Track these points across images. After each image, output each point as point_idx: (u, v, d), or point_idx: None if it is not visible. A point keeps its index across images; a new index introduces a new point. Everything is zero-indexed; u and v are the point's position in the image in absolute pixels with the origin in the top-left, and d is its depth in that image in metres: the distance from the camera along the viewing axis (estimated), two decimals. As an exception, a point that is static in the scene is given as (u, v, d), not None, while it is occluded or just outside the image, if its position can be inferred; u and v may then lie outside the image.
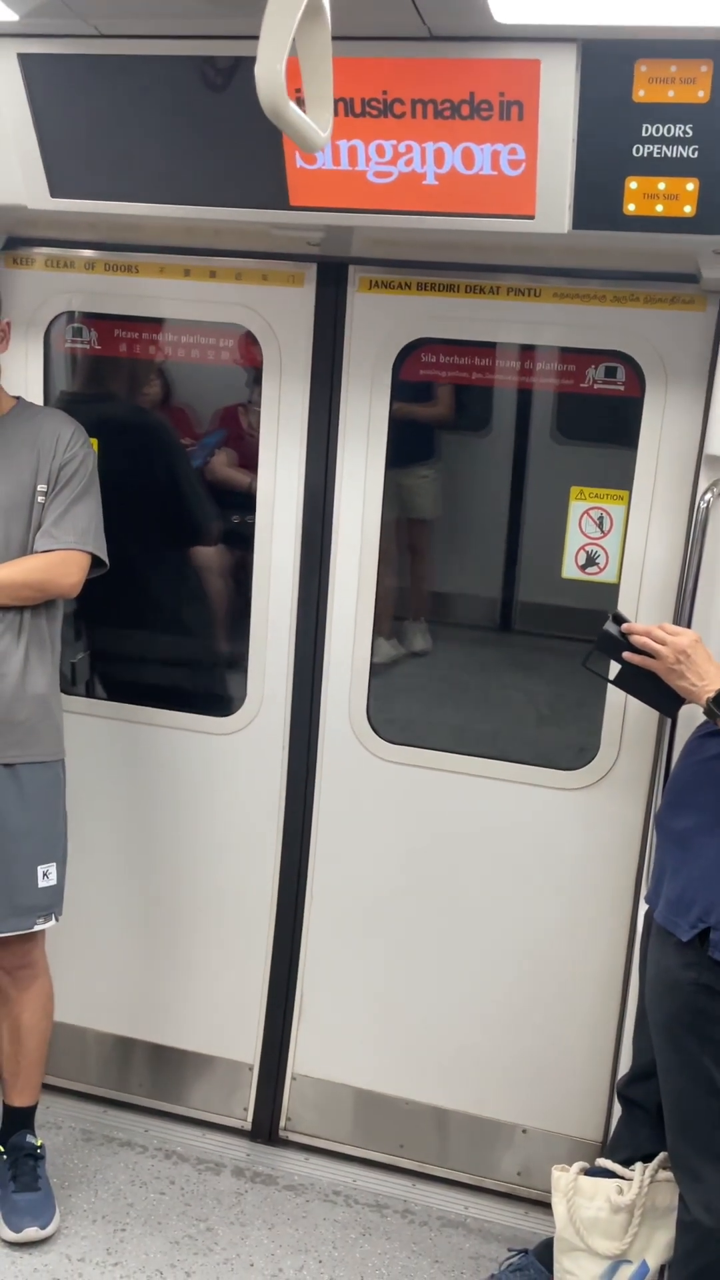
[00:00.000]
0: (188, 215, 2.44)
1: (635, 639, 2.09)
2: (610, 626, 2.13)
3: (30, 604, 2.51)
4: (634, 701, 2.38)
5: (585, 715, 2.74)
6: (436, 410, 2.87)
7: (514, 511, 2.93)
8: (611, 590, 2.65)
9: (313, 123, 1.37)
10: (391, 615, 2.97)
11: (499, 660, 3.04)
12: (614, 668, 2.21)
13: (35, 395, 2.89)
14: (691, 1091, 2.09)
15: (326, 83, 1.40)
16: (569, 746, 2.80)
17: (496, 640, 3.03)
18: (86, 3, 2.12)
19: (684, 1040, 2.08)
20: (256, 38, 1.30)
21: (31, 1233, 2.62)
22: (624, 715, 2.67)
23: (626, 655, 2.10)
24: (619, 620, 2.15)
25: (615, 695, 2.64)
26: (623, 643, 2.11)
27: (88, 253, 2.86)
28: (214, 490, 3.03)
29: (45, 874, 2.58)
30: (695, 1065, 2.06)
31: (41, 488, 2.52)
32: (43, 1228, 2.63)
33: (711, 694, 2.01)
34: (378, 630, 2.86)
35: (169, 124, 2.32)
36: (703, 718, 2.13)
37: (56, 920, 2.64)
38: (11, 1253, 2.61)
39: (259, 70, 1.24)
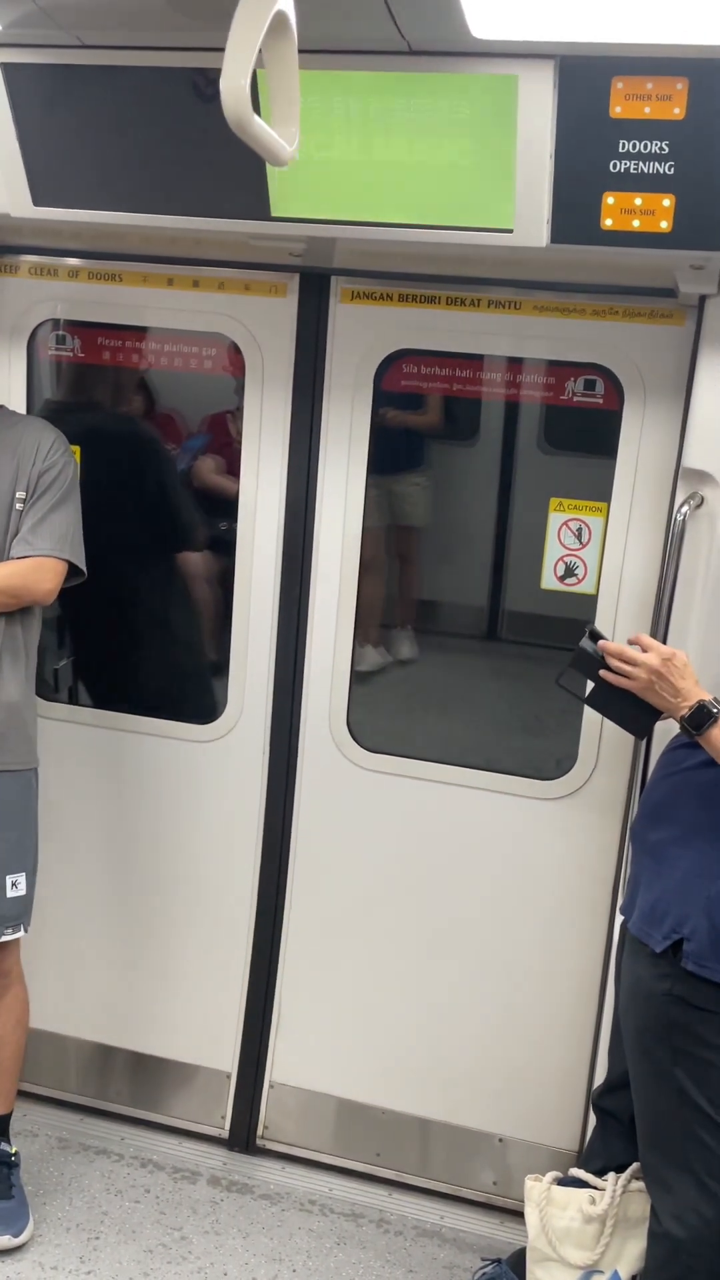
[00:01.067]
0: (170, 225, 2.45)
1: (610, 660, 2.08)
2: (586, 644, 2.13)
3: (5, 610, 2.51)
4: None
5: (565, 725, 2.75)
6: (426, 418, 2.88)
7: (499, 521, 2.94)
8: (589, 601, 2.66)
9: (279, 137, 1.38)
10: (378, 623, 2.98)
11: (483, 669, 3.04)
12: (588, 685, 2.20)
13: (18, 403, 2.90)
14: (663, 1103, 2.09)
15: (293, 98, 1.41)
16: (548, 756, 2.81)
17: (481, 649, 3.03)
18: (68, 14, 2.13)
19: (656, 1051, 2.08)
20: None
21: (4, 1241, 2.62)
22: (602, 726, 2.67)
23: (603, 674, 2.09)
24: (595, 637, 2.14)
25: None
26: (598, 660, 2.10)
27: (72, 261, 2.87)
28: (198, 496, 3.04)
29: (14, 884, 2.57)
30: (666, 1076, 2.07)
31: (20, 495, 2.53)
32: (15, 1236, 2.63)
33: (686, 711, 2.01)
34: (364, 638, 2.87)
35: (151, 134, 2.33)
36: (677, 729, 2.14)
37: (25, 931, 2.63)
38: (-15, 1261, 2.61)
39: (224, 84, 1.26)
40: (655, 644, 2.07)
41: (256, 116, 1.30)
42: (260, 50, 1.28)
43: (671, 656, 2.04)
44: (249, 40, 1.23)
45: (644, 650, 2.05)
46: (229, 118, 1.27)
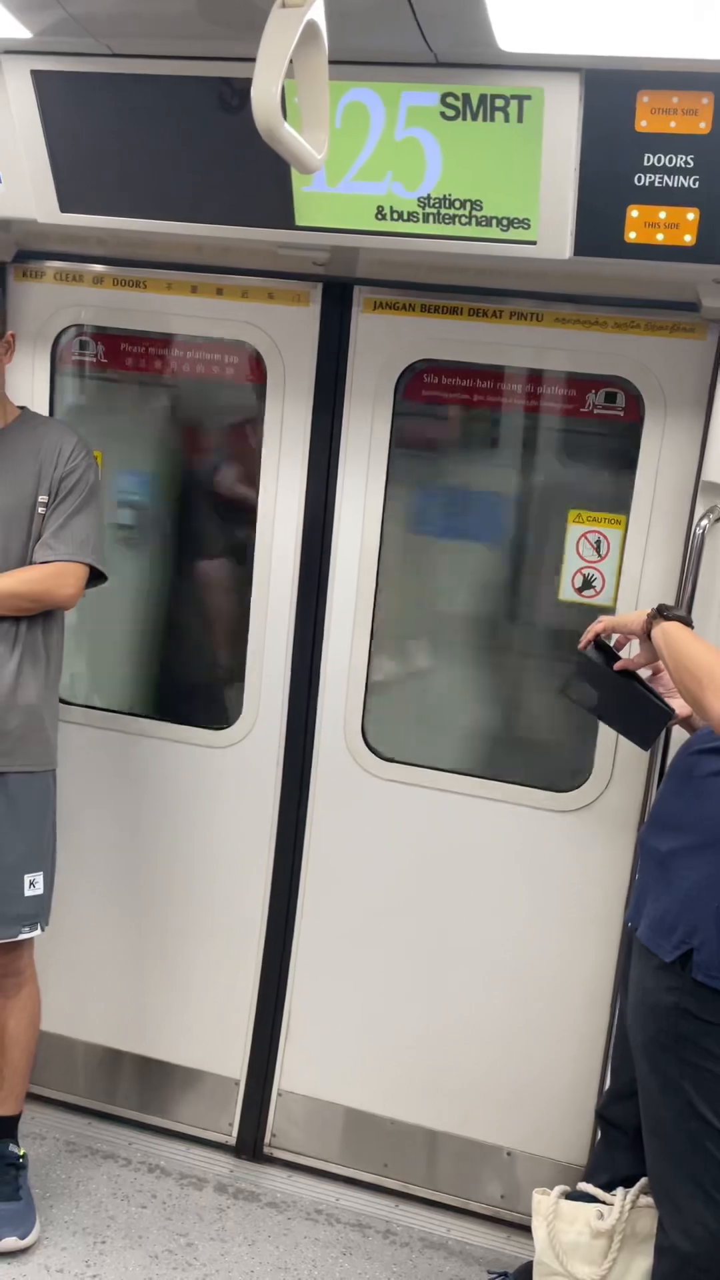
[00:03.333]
0: (195, 233, 2.47)
1: (593, 634, 2.15)
2: (591, 653, 2.13)
3: (27, 615, 2.53)
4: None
5: (580, 738, 2.74)
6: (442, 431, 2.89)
7: (518, 533, 2.94)
8: (607, 614, 2.66)
9: (308, 144, 1.40)
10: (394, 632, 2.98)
11: (498, 680, 3.04)
12: (594, 696, 2.20)
13: (41, 407, 2.92)
14: (671, 1115, 2.08)
15: (322, 106, 1.42)
16: (563, 769, 2.80)
17: (497, 660, 3.03)
18: (99, 22, 2.16)
19: (663, 1063, 2.07)
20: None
21: (10, 1243, 2.61)
22: (617, 738, 2.67)
23: (619, 665, 2.11)
24: (600, 646, 2.15)
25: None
26: (604, 668, 2.11)
27: (96, 267, 2.90)
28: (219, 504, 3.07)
29: (32, 883, 2.59)
30: (675, 1088, 2.05)
31: (42, 499, 2.54)
32: (22, 1238, 2.63)
33: (649, 611, 2.09)
34: (380, 648, 2.88)
35: (178, 142, 2.35)
36: (687, 738, 2.14)
37: (43, 929, 2.64)
38: (-9, 1262, 2.61)
39: (255, 92, 1.27)
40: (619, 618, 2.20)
41: (286, 124, 1.31)
42: (290, 59, 1.29)
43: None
44: (281, 49, 1.25)
45: (618, 627, 2.16)
46: (260, 125, 1.28)
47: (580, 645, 2.21)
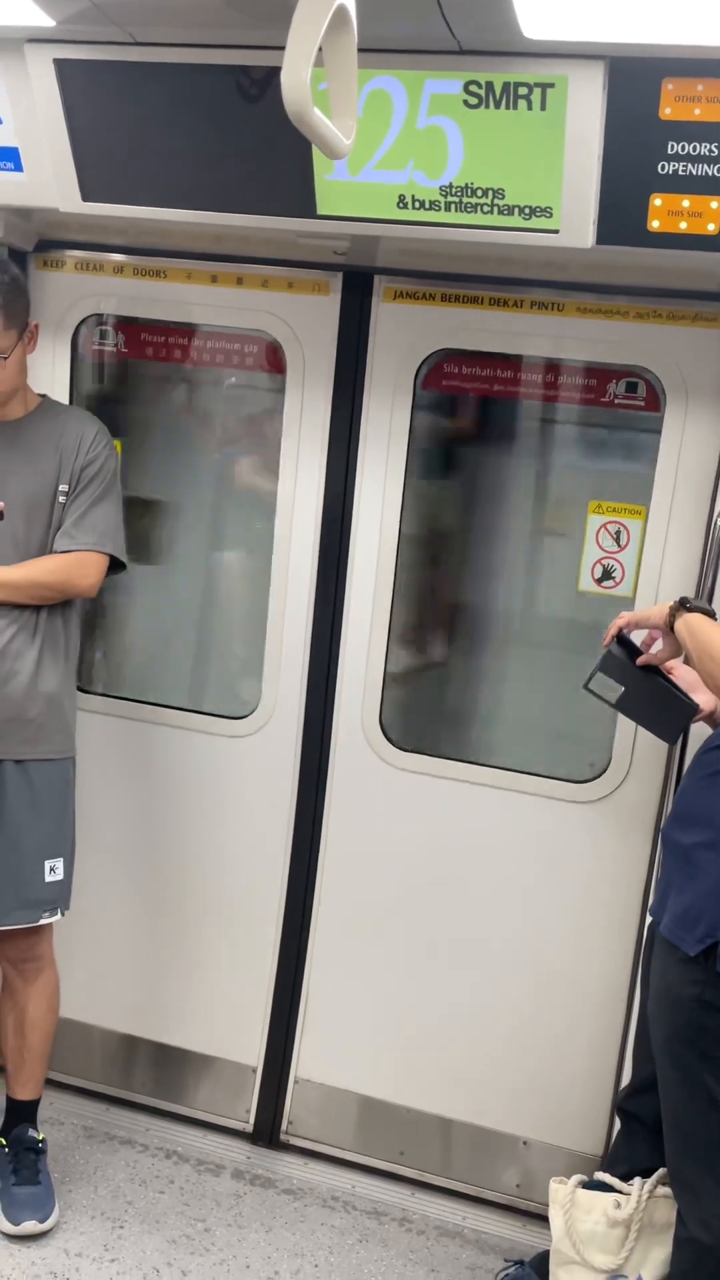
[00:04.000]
0: (216, 221, 2.47)
1: (617, 629, 2.14)
2: (614, 648, 2.13)
3: (47, 603, 2.54)
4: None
5: (599, 729, 2.74)
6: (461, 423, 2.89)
7: (537, 523, 2.94)
8: (627, 605, 2.66)
9: (337, 130, 1.40)
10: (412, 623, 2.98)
11: (515, 671, 3.04)
12: (618, 690, 2.20)
13: (61, 396, 2.92)
14: (691, 1108, 2.08)
15: (351, 91, 1.42)
16: (582, 760, 2.80)
17: (514, 651, 3.03)
18: (122, 10, 2.16)
19: (685, 1056, 2.07)
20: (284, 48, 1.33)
21: (30, 1226, 2.64)
22: (636, 729, 2.67)
23: (642, 660, 2.11)
24: (622, 642, 2.15)
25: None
26: (627, 663, 2.11)
27: (117, 257, 2.90)
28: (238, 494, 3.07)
29: (52, 869, 2.60)
30: (695, 1081, 2.05)
31: (63, 488, 2.55)
32: (41, 1221, 2.65)
33: (671, 604, 2.09)
34: (396, 638, 2.88)
35: (200, 131, 2.35)
36: (709, 731, 2.14)
37: (63, 914, 2.66)
38: (10, 1245, 2.63)
39: (285, 78, 1.27)
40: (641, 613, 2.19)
41: (316, 110, 1.31)
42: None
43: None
44: (310, 34, 1.25)
45: (641, 622, 2.15)
46: (289, 110, 1.28)
47: (604, 641, 2.21)
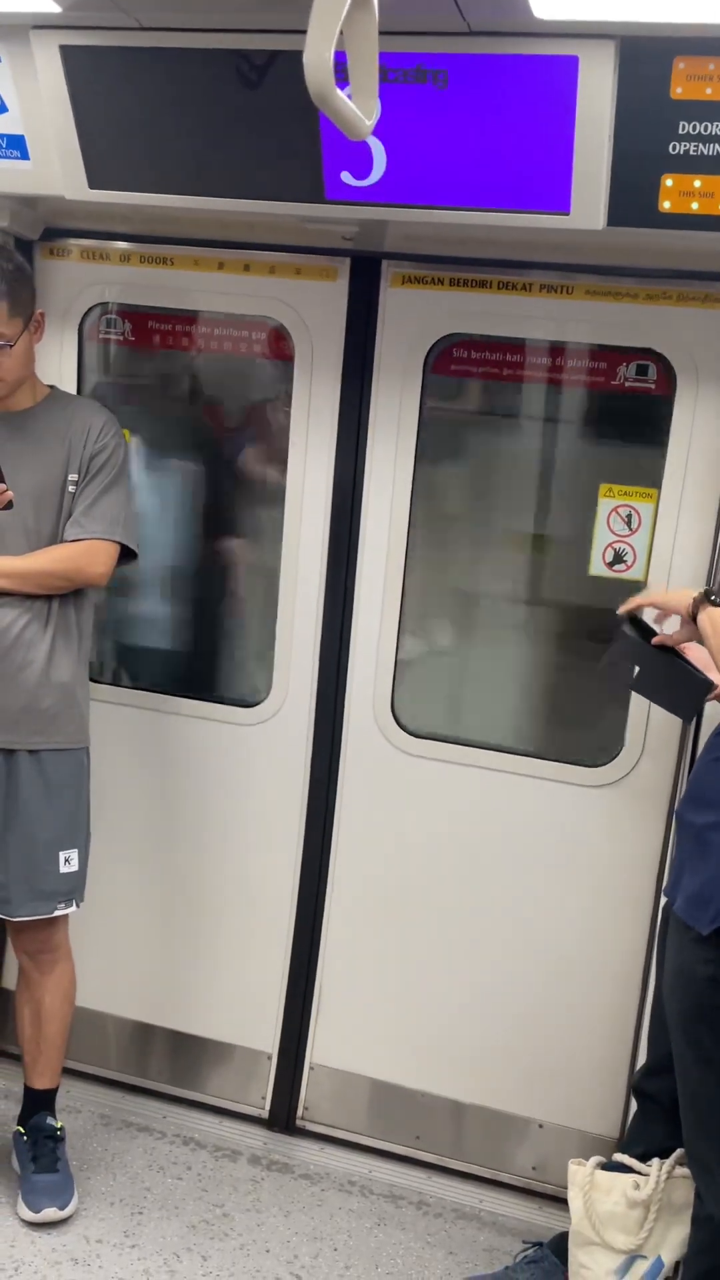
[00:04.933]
0: (223, 208, 2.46)
1: (638, 606, 2.11)
2: (628, 629, 2.13)
3: (59, 593, 2.54)
4: (658, 700, 2.37)
5: (611, 712, 2.74)
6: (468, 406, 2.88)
7: (547, 507, 2.93)
8: (638, 588, 2.65)
9: (358, 110, 1.39)
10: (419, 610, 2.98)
11: (528, 655, 3.04)
12: (633, 671, 2.19)
13: (69, 386, 2.92)
14: (707, 1087, 2.08)
15: (372, 72, 1.42)
16: (594, 743, 2.80)
17: (527, 635, 3.03)
18: (129, -5, 2.15)
19: (700, 1035, 2.08)
20: (294, 31, 1.32)
21: (50, 1213, 2.65)
22: (649, 713, 2.67)
23: (656, 640, 2.10)
24: (636, 622, 2.14)
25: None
26: (641, 643, 2.10)
27: (123, 245, 2.89)
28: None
29: (67, 860, 2.61)
30: (711, 1061, 2.06)
31: (73, 477, 2.55)
32: (61, 1209, 2.66)
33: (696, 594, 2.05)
34: (404, 625, 2.88)
35: (207, 117, 2.34)
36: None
37: (78, 905, 2.66)
38: (31, 1232, 2.64)
39: (308, 57, 1.26)
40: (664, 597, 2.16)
41: (338, 90, 1.30)
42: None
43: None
44: (333, 12, 1.24)
45: (662, 606, 2.11)
46: (311, 89, 1.28)
47: (620, 611, 2.19)
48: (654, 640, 2.13)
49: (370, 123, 1.43)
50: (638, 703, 2.69)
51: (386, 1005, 3.00)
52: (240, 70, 2.26)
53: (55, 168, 2.49)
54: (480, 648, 3.03)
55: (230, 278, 2.83)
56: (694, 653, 2.26)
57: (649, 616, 2.25)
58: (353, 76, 1.45)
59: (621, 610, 2.19)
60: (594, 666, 2.22)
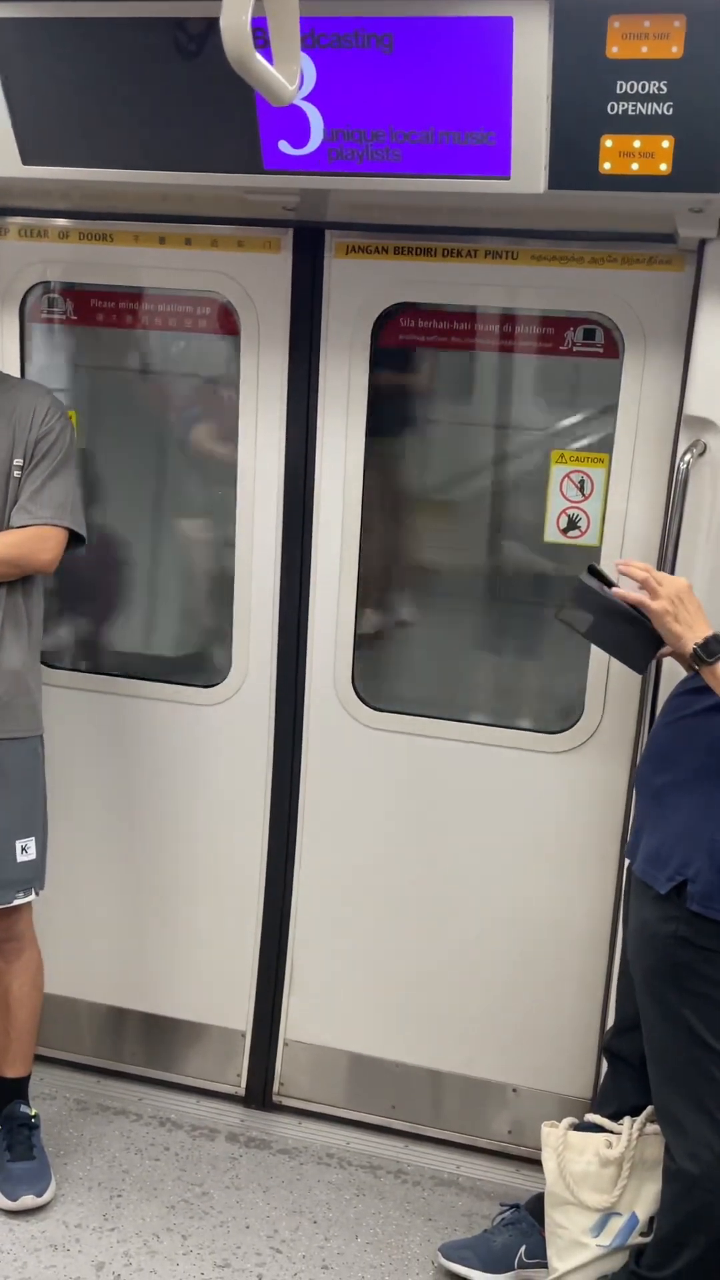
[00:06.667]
0: (161, 181, 2.41)
1: (636, 575, 2.07)
2: (587, 578, 2.12)
3: (7, 580, 2.50)
4: (618, 664, 2.37)
5: (571, 678, 2.75)
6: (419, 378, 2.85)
7: (500, 475, 2.92)
8: (594, 554, 2.66)
9: (280, 76, 1.36)
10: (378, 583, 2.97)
11: (484, 626, 3.04)
12: (588, 620, 2.18)
13: (11, 368, 2.87)
14: (673, 1042, 2.11)
15: (294, 37, 1.39)
16: (555, 710, 2.81)
17: (482, 607, 3.03)
18: (53, -36, 2.09)
19: (664, 992, 2.11)
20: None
21: (28, 1200, 2.64)
22: (607, 678, 2.68)
23: (617, 592, 2.09)
24: (595, 573, 2.14)
25: (599, 659, 2.65)
26: (599, 594, 2.09)
27: (61, 222, 2.84)
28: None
29: (24, 848, 2.59)
30: (676, 1016, 2.09)
31: (18, 462, 2.51)
32: (39, 1195, 2.66)
33: (699, 640, 2.00)
34: (364, 599, 2.86)
35: (142, 88, 2.29)
36: (683, 674, 2.15)
37: (38, 894, 2.65)
38: (9, 1220, 2.64)
39: (224, 22, 1.24)
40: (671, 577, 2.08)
41: (258, 55, 1.28)
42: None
43: (689, 586, 2.06)
44: (248, -24, 1.21)
45: (650, 588, 2.06)
46: (230, 55, 1.25)
47: (618, 567, 2.15)
48: (613, 593, 2.12)
49: (293, 89, 1.40)
50: (596, 669, 2.70)
51: (358, 978, 3.01)
52: (178, 40, 2.21)
53: (-13, 144, 2.43)
54: (437, 617, 3.02)
55: (172, 252, 2.78)
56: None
57: (610, 570, 2.23)
58: (274, 42, 1.42)
59: (620, 566, 2.15)
60: (559, 614, 2.18)
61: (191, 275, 2.80)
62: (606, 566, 2.55)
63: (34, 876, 2.63)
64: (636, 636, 2.08)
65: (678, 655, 2.07)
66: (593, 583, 2.11)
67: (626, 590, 2.09)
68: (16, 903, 2.60)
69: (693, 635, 2.01)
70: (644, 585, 2.04)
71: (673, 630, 2.01)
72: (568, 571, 2.68)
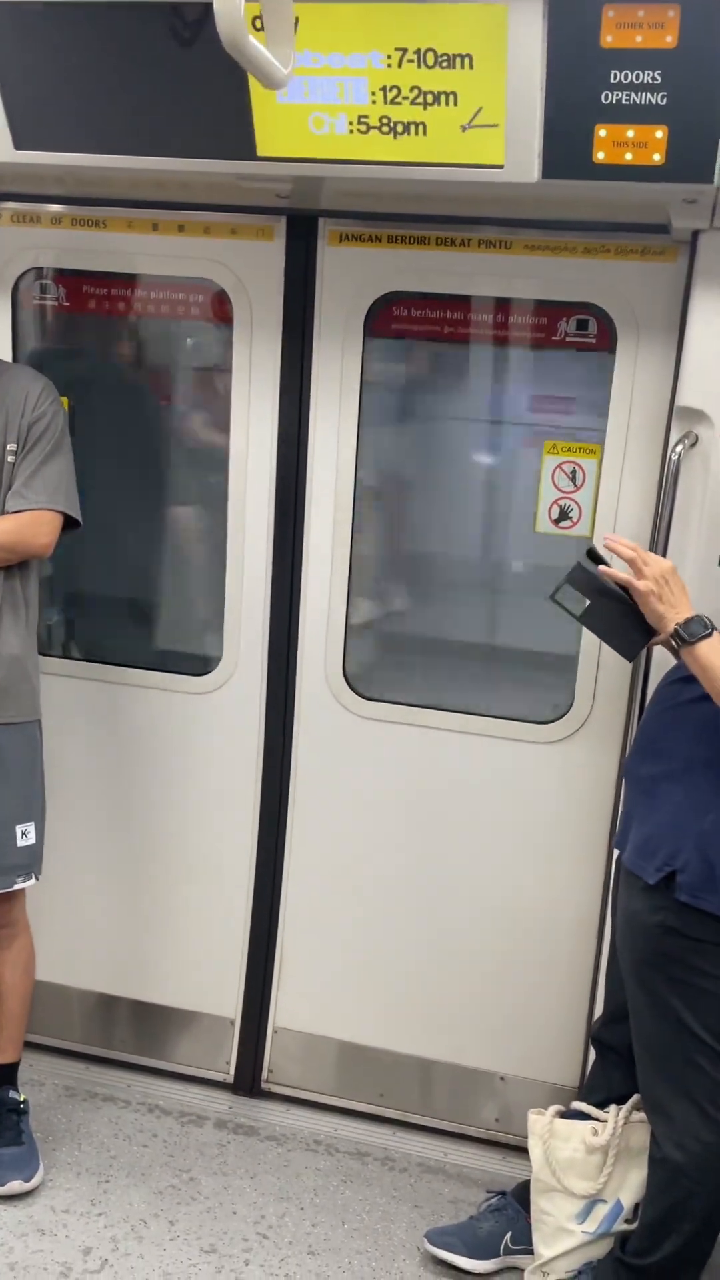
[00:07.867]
0: (155, 167, 2.40)
1: (623, 553, 2.07)
2: (585, 562, 2.12)
3: (3, 565, 2.50)
4: (608, 654, 2.37)
5: (561, 669, 2.76)
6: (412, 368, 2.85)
7: (492, 466, 2.92)
8: (585, 544, 2.65)
9: (274, 58, 1.36)
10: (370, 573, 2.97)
11: (476, 617, 3.05)
12: (582, 604, 2.17)
13: (3, 353, 2.86)
14: (661, 1032, 2.13)
15: (287, 20, 1.38)
16: (545, 700, 2.82)
17: (474, 598, 3.03)
18: (47, -53, 2.08)
19: (652, 981, 2.12)
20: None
21: (15, 1185, 2.65)
22: (597, 668, 2.69)
23: (604, 570, 2.08)
24: (593, 557, 2.14)
25: (589, 647, 2.66)
26: (595, 579, 2.09)
27: (54, 207, 2.83)
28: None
29: (24, 833, 2.59)
30: (663, 1006, 2.10)
31: (11, 447, 2.50)
32: (26, 1180, 2.66)
33: (680, 620, 2.01)
34: (356, 589, 2.86)
35: (135, 74, 2.28)
36: (673, 663, 2.15)
37: (36, 879, 2.65)
38: (-3, 1206, 2.65)
39: (219, 5, 1.23)
40: (658, 557, 2.09)
41: (251, 37, 1.27)
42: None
43: (674, 567, 2.06)
44: (242, -41, 1.21)
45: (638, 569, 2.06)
46: (224, 38, 1.24)
47: (605, 541, 2.15)
48: (604, 570, 2.11)
49: (287, 72, 1.40)
50: (586, 659, 2.70)
51: (347, 966, 3.02)
52: (173, 26, 2.20)
53: (-21, 129, 2.42)
54: (431, 607, 3.03)
55: (165, 239, 2.78)
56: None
57: (607, 555, 2.22)
58: (267, 25, 1.42)
59: (615, 545, 2.14)
60: (554, 596, 2.17)
61: (185, 262, 2.79)
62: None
63: (33, 861, 2.64)
64: (625, 617, 2.08)
65: (664, 641, 2.07)
66: (591, 567, 2.11)
67: (615, 571, 2.09)
68: (16, 887, 2.61)
69: (675, 615, 2.01)
70: (631, 564, 2.05)
71: (656, 610, 2.02)
72: (558, 561, 2.68)
